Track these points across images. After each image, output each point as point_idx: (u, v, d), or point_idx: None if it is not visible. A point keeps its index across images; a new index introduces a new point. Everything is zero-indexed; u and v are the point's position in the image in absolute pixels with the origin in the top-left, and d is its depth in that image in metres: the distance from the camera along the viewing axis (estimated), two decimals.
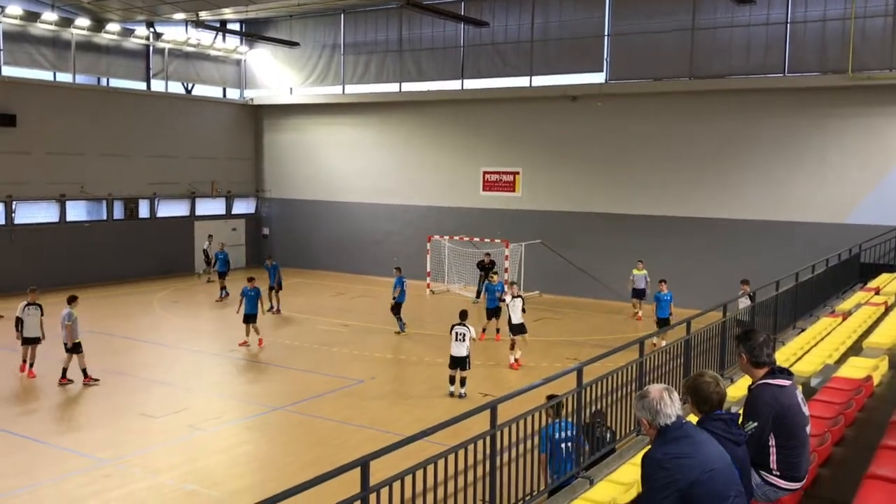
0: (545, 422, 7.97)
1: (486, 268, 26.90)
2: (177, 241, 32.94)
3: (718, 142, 25.52)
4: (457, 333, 16.06)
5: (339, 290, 29.20)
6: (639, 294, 24.31)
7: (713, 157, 25.62)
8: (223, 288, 27.32)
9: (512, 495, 6.87)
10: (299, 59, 34.30)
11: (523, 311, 18.49)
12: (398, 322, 22.02)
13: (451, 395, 16.05)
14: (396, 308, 22.04)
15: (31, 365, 17.04)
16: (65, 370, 16.56)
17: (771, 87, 24.66)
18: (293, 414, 15.05)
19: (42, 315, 17.14)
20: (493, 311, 21.29)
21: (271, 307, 24.51)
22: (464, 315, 16.52)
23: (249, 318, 20.10)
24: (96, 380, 16.61)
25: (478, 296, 27.10)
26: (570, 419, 7.93)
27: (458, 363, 16.00)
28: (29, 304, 17.02)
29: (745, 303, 15.11)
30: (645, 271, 24.23)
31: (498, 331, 21.19)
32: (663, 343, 11.73)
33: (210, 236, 32.35)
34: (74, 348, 16.52)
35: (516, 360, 18.32)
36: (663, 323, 19.29)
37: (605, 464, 8.10)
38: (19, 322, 16.95)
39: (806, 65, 24.11)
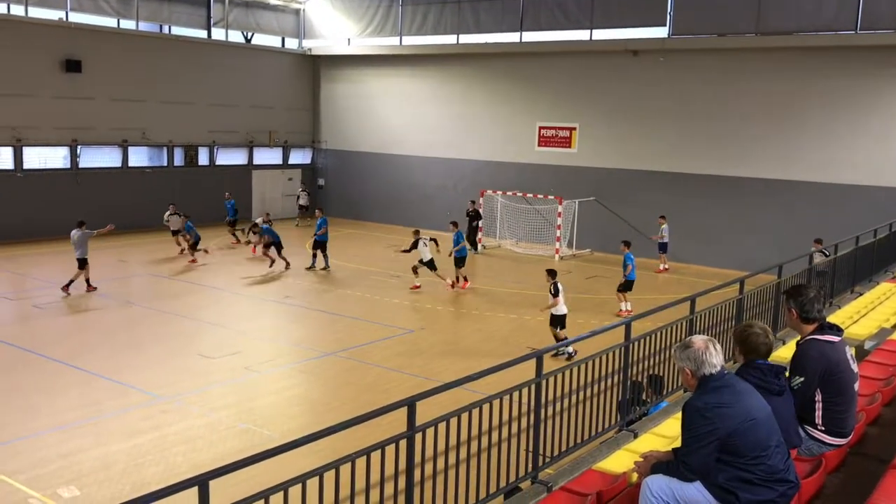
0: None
1: (472, 216, 28.30)
2: (235, 188, 33.43)
3: (783, 101, 24.74)
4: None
5: (391, 242, 29.41)
6: (663, 248, 25.58)
7: (777, 117, 24.87)
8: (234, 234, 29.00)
9: (555, 447, 6.96)
10: (357, 9, 34.18)
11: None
12: (318, 258, 23.49)
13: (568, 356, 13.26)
14: (318, 245, 23.50)
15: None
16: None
17: (842, 44, 23.71)
18: (344, 360, 15.39)
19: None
20: (461, 260, 22.01)
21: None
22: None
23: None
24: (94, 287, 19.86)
25: (474, 247, 28.06)
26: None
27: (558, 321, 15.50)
28: None
29: (818, 259, 14.84)
30: (665, 225, 25.19)
31: (466, 279, 22.12)
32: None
33: (303, 183, 35.65)
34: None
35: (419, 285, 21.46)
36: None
37: (651, 418, 8.14)
38: None
39: (880, 21, 23.11)
